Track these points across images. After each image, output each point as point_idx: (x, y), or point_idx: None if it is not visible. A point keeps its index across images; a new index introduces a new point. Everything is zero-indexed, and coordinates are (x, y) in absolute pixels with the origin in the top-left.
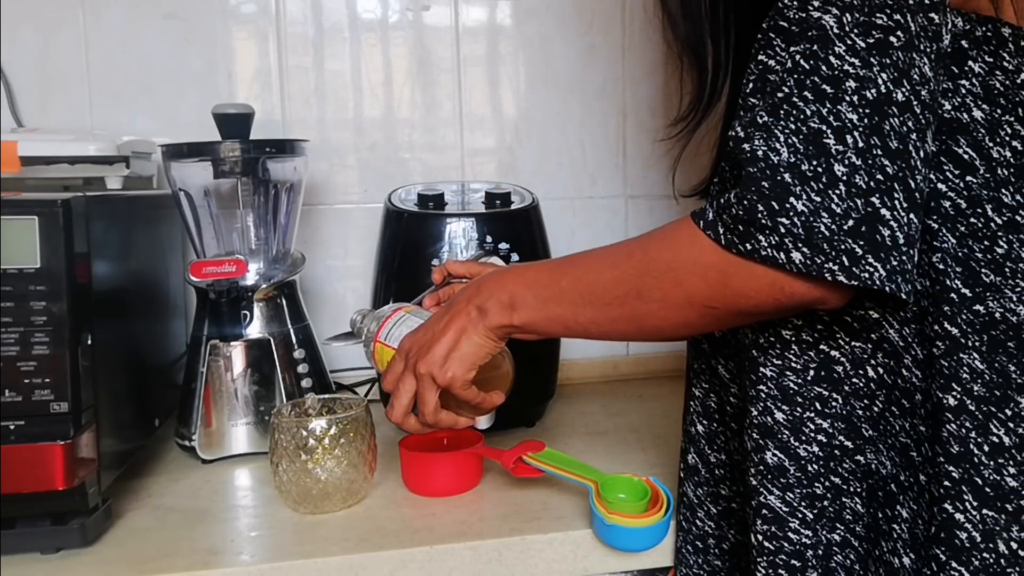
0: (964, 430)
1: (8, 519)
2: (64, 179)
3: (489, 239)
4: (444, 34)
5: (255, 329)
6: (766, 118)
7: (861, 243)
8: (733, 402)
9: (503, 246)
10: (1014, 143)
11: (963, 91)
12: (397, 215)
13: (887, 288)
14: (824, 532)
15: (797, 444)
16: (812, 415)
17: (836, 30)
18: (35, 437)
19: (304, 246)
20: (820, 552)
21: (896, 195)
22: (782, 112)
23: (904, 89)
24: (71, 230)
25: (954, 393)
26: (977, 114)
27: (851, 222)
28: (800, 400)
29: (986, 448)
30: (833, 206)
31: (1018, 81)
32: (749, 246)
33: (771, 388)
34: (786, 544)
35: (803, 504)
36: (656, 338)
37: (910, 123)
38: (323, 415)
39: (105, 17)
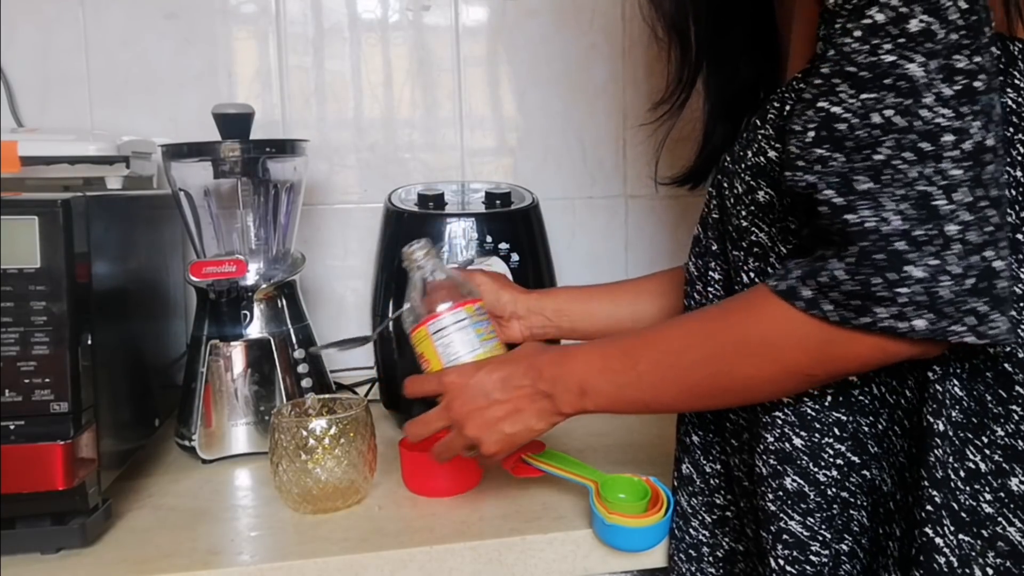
0: (945, 455)
1: (8, 519)
2: (64, 179)
3: (489, 239)
4: (444, 34)
5: (255, 329)
6: (869, 184)
7: (985, 299)
8: (733, 418)
9: (503, 246)
10: None
11: None
12: (397, 215)
13: (1011, 340)
14: (835, 544)
15: (816, 470)
16: (831, 440)
17: (923, 79)
18: (35, 437)
19: (304, 246)
20: (831, 565)
21: (1002, 243)
22: (885, 178)
23: (992, 133)
24: (71, 230)
25: (942, 419)
26: None
27: (971, 280)
28: (818, 426)
29: (962, 473)
30: (951, 268)
31: None
32: (867, 319)
33: (788, 414)
34: (808, 567)
35: (823, 527)
36: (744, 404)
37: (1000, 165)
38: (323, 415)
39: (105, 17)
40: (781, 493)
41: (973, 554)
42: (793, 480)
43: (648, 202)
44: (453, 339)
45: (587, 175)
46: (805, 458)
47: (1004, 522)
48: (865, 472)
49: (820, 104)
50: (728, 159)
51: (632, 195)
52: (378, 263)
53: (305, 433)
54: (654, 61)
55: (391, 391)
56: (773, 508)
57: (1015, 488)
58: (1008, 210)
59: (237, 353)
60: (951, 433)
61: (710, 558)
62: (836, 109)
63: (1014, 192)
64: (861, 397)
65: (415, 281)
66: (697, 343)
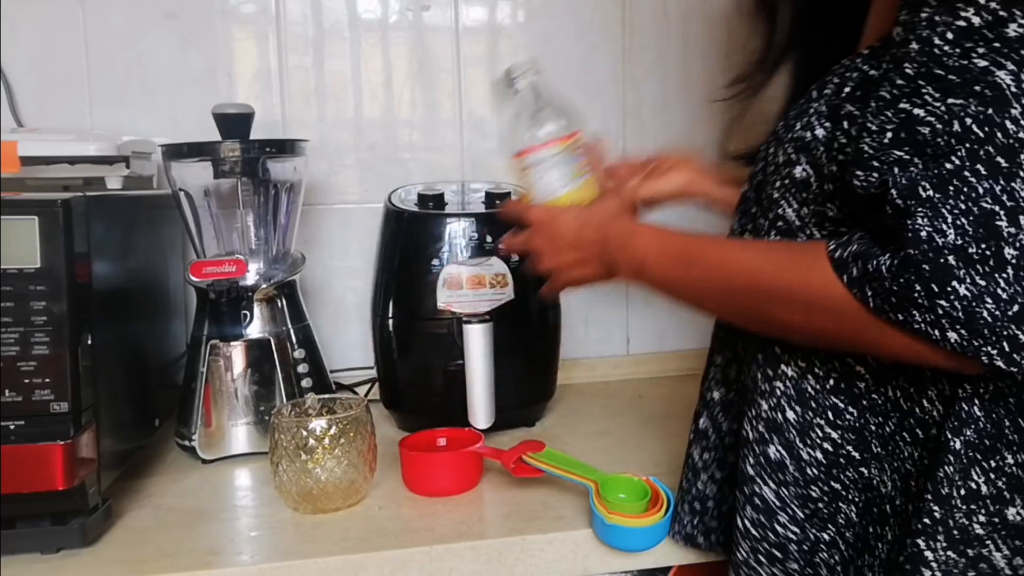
0: (954, 472)
1: (8, 519)
2: (64, 179)
3: (489, 239)
4: (444, 34)
5: (255, 329)
6: (931, 192)
7: None
8: (747, 381)
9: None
10: None
11: None
12: (397, 215)
13: None
14: (814, 530)
15: (801, 446)
16: (822, 422)
17: (1013, 89)
18: (35, 437)
19: (304, 246)
20: (806, 548)
21: None
22: (951, 189)
23: None
24: (71, 230)
25: (961, 438)
26: None
27: (1016, 308)
28: (814, 405)
29: (963, 492)
30: (999, 291)
31: None
32: (901, 317)
33: (788, 387)
34: (771, 535)
35: (795, 502)
36: (776, 338)
37: None
38: (323, 415)
39: (105, 17)
40: (763, 459)
41: (955, 571)
42: (777, 449)
43: None
44: (547, 174)
45: None
46: (794, 431)
47: (992, 546)
48: (863, 469)
49: (902, 105)
50: (781, 125)
51: None
52: (378, 263)
53: (305, 433)
54: (655, 61)
55: (391, 391)
56: (751, 472)
57: (1011, 517)
58: None
59: (237, 353)
60: (960, 450)
61: (715, 511)
62: (919, 112)
63: None
64: (874, 396)
65: (520, 106)
66: (745, 277)
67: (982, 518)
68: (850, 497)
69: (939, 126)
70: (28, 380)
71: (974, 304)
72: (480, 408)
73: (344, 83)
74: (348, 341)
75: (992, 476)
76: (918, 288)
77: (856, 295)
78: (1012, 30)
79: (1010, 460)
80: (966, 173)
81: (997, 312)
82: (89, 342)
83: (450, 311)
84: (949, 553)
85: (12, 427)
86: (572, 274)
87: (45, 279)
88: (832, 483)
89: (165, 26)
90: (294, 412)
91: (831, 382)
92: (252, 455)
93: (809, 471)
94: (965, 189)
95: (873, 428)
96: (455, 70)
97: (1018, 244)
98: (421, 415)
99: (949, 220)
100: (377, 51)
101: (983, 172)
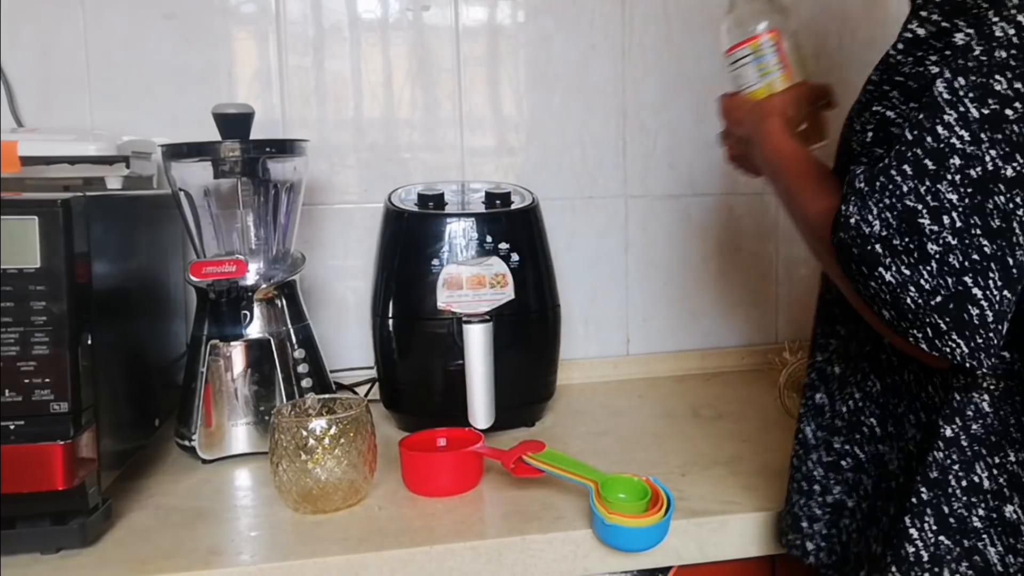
0: (949, 460)
1: (8, 519)
2: (64, 179)
3: (489, 239)
4: (444, 34)
5: (255, 329)
6: (863, 186)
7: (947, 320)
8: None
9: (503, 246)
10: None
11: None
12: (397, 215)
13: (967, 364)
14: (841, 494)
15: (838, 397)
16: (858, 378)
17: (947, 95)
18: (35, 437)
19: (304, 246)
20: (831, 508)
21: (992, 274)
22: (878, 184)
23: (1016, 164)
24: (71, 230)
25: (954, 425)
26: None
27: (939, 299)
28: (853, 364)
29: (964, 483)
30: (922, 282)
31: None
32: (856, 285)
33: (839, 345)
34: (804, 468)
35: (823, 446)
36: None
37: (1018, 199)
38: (323, 415)
39: (105, 17)
40: (809, 403)
41: (948, 558)
42: (822, 396)
43: (648, 202)
44: (740, 72)
45: (587, 175)
46: (835, 384)
47: (988, 540)
48: (880, 446)
49: (875, 108)
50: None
51: (632, 195)
52: (378, 263)
53: (305, 433)
54: (654, 61)
55: (391, 391)
56: (802, 411)
57: (1008, 514)
58: None
59: (237, 353)
60: (965, 443)
61: (819, 498)
62: (890, 113)
63: None
64: (897, 377)
65: (731, 5)
66: (798, 198)
67: (981, 512)
68: (869, 471)
69: (904, 126)
70: (28, 380)
71: (899, 291)
72: (480, 408)
73: (344, 83)
74: (348, 341)
75: (995, 472)
76: (853, 270)
77: (839, 256)
78: (958, 39)
79: (1012, 458)
80: (892, 171)
81: (920, 301)
82: (89, 342)
83: (450, 311)
84: (941, 538)
85: (12, 427)
86: (735, 150)
87: (45, 279)
88: (857, 451)
89: (165, 26)
90: (294, 412)
91: (869, 345)
92: (252, 455)
93: (838, 421)
94: (890, 187)
95: (891, 408)
96: (455, 70)
97: (941, 241)
98: (421, 415)
99: (875, 212)
100: (377, 51)
101: (909, 172)
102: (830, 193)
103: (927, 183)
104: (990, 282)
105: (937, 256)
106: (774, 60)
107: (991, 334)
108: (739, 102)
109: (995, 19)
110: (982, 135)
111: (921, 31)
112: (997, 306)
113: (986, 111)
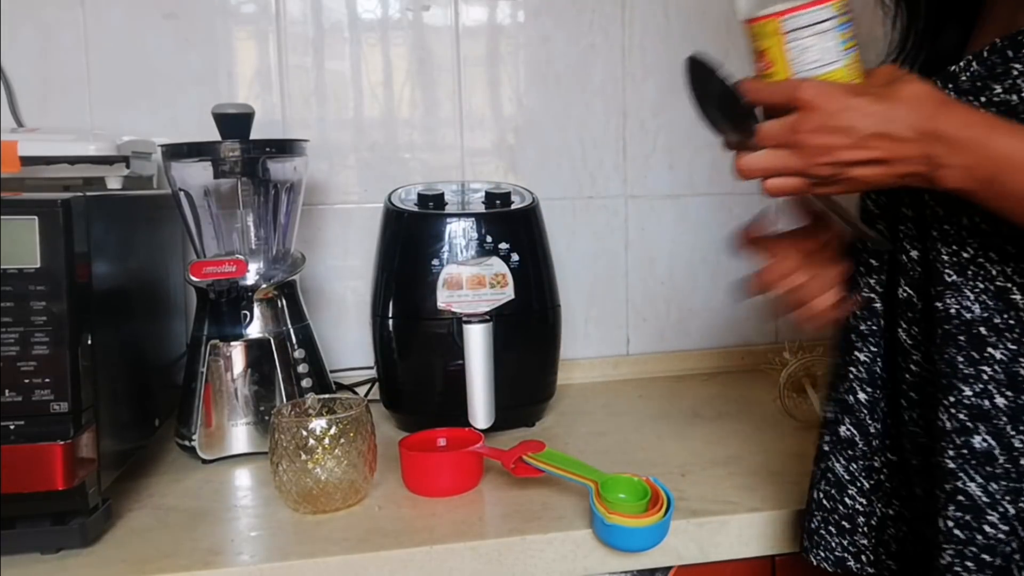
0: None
1: (8, 519)
2: (64, 179)
3: (489, 239)
4: (444, 34)
5: (255, 329)
6: (955, 278)
7: None
8: (915, 370)
9: (503, 246)
10: None
11: None
12: (397, 215)
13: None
14: (883, 508)
15: (1013, 433)
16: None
17: None
18: (35, 437)
19: (304, 246)
20: (875, 530)
21: None
22: (969, 272)
23: None
24: (71, 230)
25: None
26: None
27: None
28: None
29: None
30: None
31: None
32: None
33: (998, 372)
34: (979, 536)
35: (1007, 498)
36: None
37: None
38: (323, 415)
39: (105, 17)
40: (965, 451)
41: (938, 506)
42: (984, 439)
43: (648, 202)
44: (812, 44)
45: (587, 175)
46: (1004, 418)
47: (965, 477)
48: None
49: None
50: None
51: (632, 195)
52: (378, 263)
53: (305, 433)
54: (654, 61)
55: (391, 391)
56: (952, 466)
57: (977, 446)
58: None
59: (237, 353)
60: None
61: (864, 528)
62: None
63: None
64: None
65: None
66: None
67: (951, 452)
68: None
69: None
70: (28, 380)
71: (1012, 366)
72: (480, 408)
73: (344, 83)
74: (348, 341)
75: (953, 411)
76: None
77: None
78: None
79: (968, 392)
80: (981, 259)
81: None
82: (89, 342)
83: (450, 311)
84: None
85: (12, 427)
86: (863, 173)
87: (45, 279)
88: None
89: (165, 26)
90: (294, 412)
91: None
92: (252, 455)
93: (1022, 461)
94: (982, 272)
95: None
96: (455, 70)
97: None
98: (421, 415)
99: (971, 297)
100: (377, 51)
101: (995, 258)
102: None
103: (1013, 263)
104: None
105: None
106: (852, 28)
107: None
108: (877, 104)
109: None
110: None
111: None
112: None
113: None
